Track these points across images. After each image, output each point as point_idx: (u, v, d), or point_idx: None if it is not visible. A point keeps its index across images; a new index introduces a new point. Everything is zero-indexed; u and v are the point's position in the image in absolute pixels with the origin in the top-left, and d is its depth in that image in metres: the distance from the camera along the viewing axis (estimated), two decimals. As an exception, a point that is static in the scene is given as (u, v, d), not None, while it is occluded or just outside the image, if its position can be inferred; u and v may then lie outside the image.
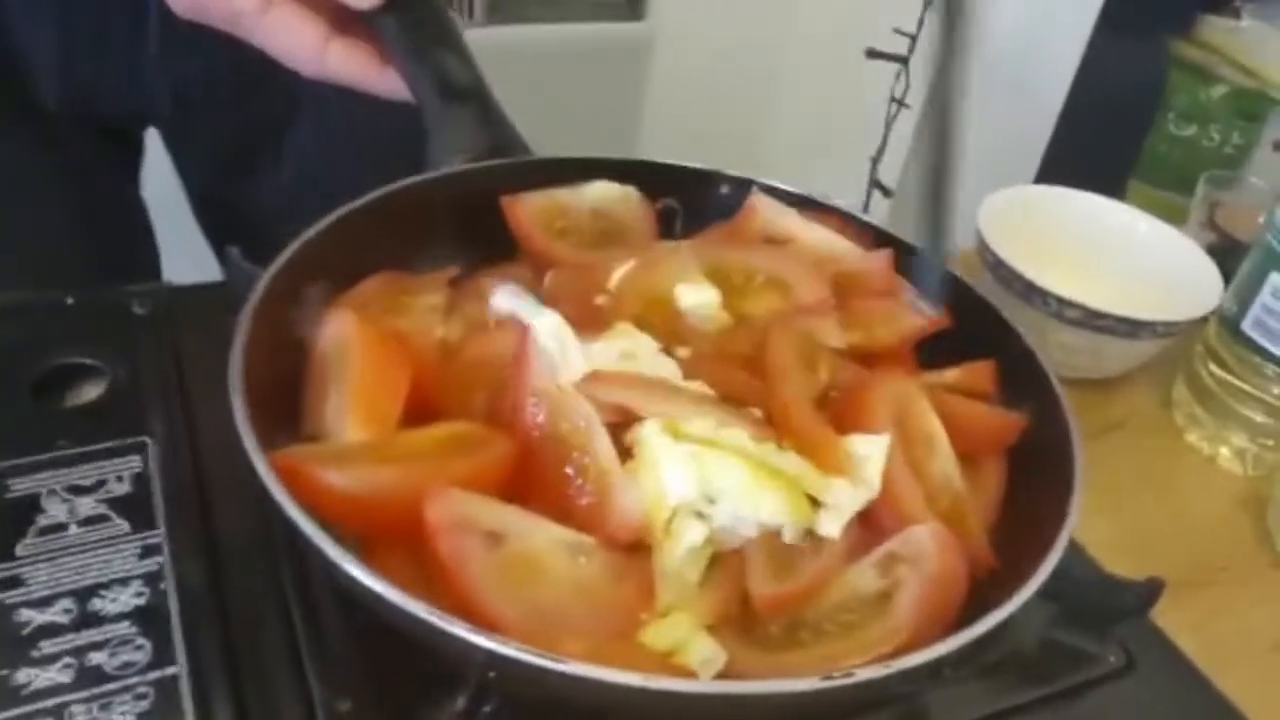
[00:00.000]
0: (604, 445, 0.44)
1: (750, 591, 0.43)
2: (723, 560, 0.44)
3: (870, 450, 0.46)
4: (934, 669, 0.37)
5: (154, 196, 0.94)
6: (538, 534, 0.42)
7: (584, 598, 0.41)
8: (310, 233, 0.52)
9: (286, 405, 0.48)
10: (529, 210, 0.59)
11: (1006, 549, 0.47)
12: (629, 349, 0.50)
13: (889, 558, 0.44)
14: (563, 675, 0.35)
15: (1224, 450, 0.79)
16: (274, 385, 0.47)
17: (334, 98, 0.84)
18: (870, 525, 0.47)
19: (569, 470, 0.44)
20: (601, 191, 0.62)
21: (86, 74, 0.77)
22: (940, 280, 0.56)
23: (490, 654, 0.36)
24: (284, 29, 0.60)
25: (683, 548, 0.43)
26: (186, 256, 0.97)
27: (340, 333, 0.48)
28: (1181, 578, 0.53)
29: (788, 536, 0.44)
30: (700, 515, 0.43)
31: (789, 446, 0.46)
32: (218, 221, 0.97)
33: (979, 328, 0.57)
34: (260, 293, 0.48)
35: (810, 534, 0.45)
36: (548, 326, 0.48)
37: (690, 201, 0.64)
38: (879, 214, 1.60)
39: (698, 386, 0.48)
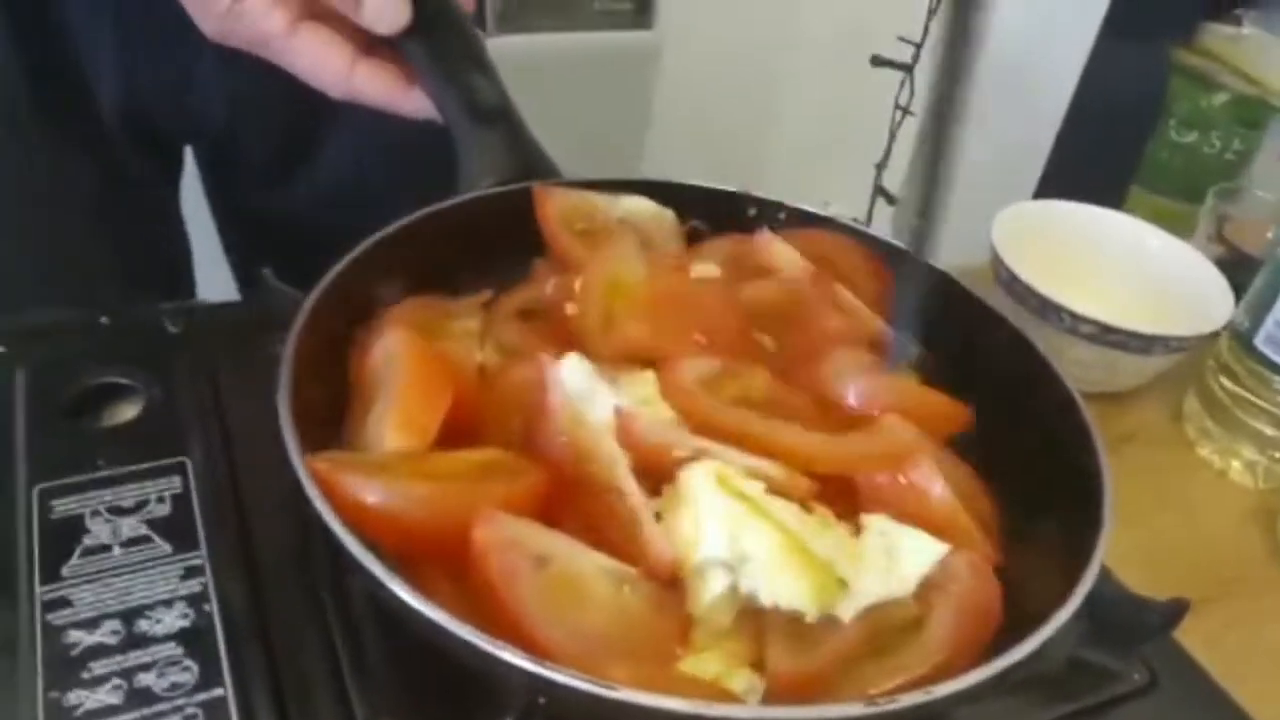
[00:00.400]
0: (631, 486, 0.45)
1: (767, 665, 0.43)
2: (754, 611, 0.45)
3: (924, 556, 0.46)
4: (975, 694, 0.38)
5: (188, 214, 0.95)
6: (583, 560, 0.42)
7: (626, 626, 0.42)
8: (354, 253, 0.53)
9: (324, 432, 0.49)
10: (558, 205, 0.60)
11: (1037, 570, 0.48)
12: (647, 395, 0.51)
13: (924, 584, 0.45)
14: (615, 702, 0.36)
15: (1235, 464, 0.80)
16: (313, 409, 0.48)
17: (367, 111, 0.85)
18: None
19: (600, 508, 0.45)
20: (636, 205, 0.63)
21: (145, 82, 0.78)
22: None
23: (541, 680, 0.37)
24: (311, 51, 0.61)
25: (708, 595, 0.43)
26: (219, 273, 0.98)
27: (391, 346, 0.49)
28: (1194, 591, 0.54)
29: (809, 618, 0.44)
30: (726, 566, 0.44)
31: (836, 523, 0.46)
32: (243, 238, 0.98)
33: (994, 343, 0.58)
34: (305, 314, 0.49)
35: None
36: (574, 366, 0.48)
37: (716, 221, 0.64)
38: (883, 221, 1.61)
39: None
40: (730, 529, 0.43)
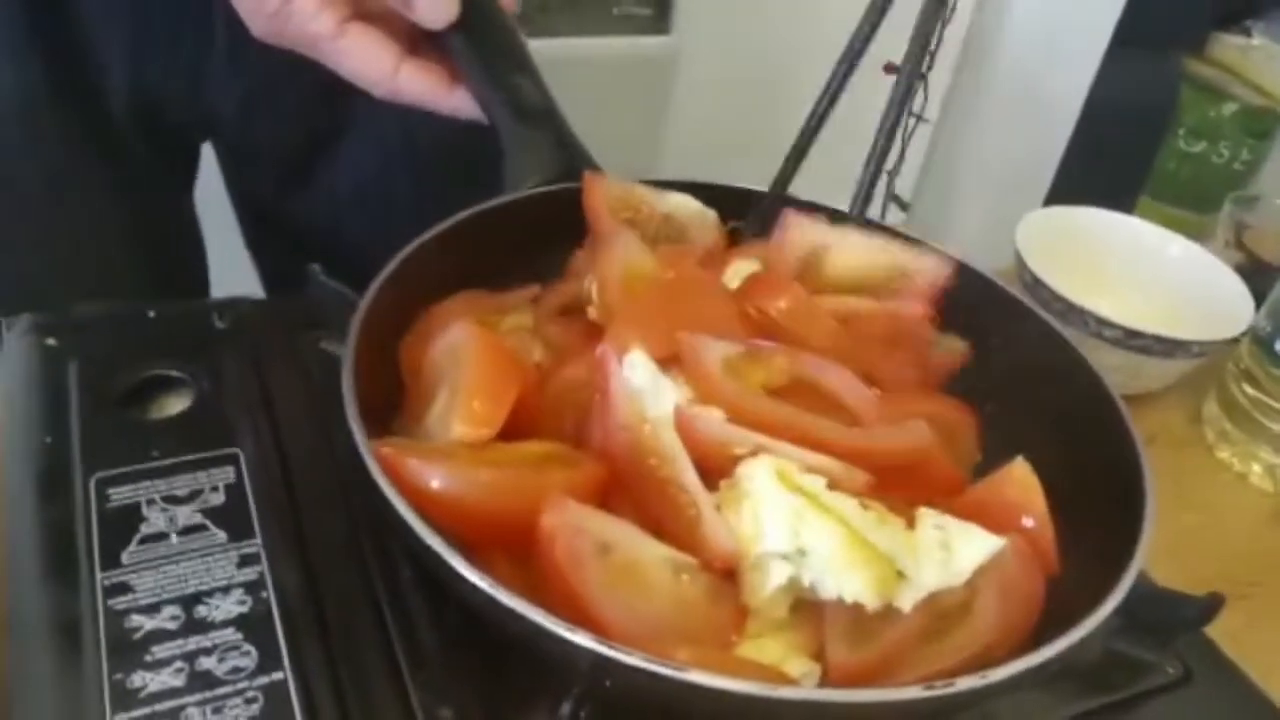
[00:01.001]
0: (693, 480, 0.46)
1: (826, 656, 0.45)
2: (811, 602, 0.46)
3: (980, 549, 0.47)
4: (1028, 678, 0.39)
5: (202, 212, 0.96)
6: (644, 548, 0.43)
7: (684, 613, 0.43)
8: (410, 248, 0.54)
9: (377, 425, 0.50)
10: (605, 194, 0.61)
11: (1081, 560, 0.49)
12: None
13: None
14: (684, 684, 0.37)
15: (1256, 467, 0.81)
16: (367, 402, 0.49)
17: (396, 117, 0.85)
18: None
19: (660, 499, 0.46)
20: (680, 202, 0.64)
21: (155, 76, 0.78)
22: None
23: (612, 662, 0.38)
24: (358, 52, 0.62)
25: (769, 587, 0.44)
26: (233, 272, 0.99)
27: (456, 339, 0.50)
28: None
29: (869, 609, 0.45)
30: (787, 559, 0.44)
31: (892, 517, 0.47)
32: (266, 236, 0.99)
33: (1026, 340, 0.59)
34: (368, 304, 0.50)
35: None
36: (637, 361, 0.49)
37: (760, 224, 0.66)
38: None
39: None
40: (791, 523, 0.44)
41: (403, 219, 0.56)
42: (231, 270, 0.98)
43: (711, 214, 0.64)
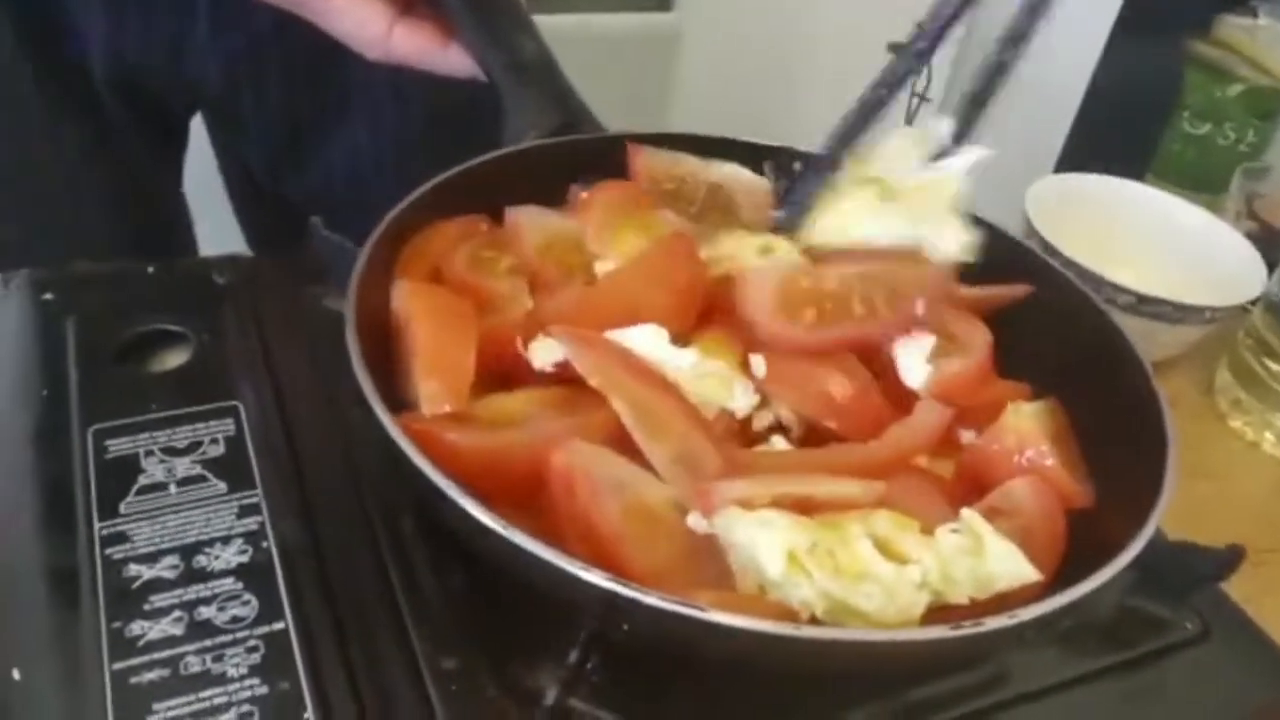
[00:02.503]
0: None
1: None
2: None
3: (1012, 575, 0.44)
4: (1054, 619, 0.38)
5: (191, 190, 0.95)
6: (653, 489, 0.42)
7: (693, 551, 0.42)
8: (411, 197, 0.53)
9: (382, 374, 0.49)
10: (649, 162, 0.61)
11: (1106, 501, 0.48)
12: (708, 370, 0.51)
13: (989, 512, 0.45)
14: (704, 623, 0.36)
15: (1268, 435, 0.80)
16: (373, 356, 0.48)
17: (388, 97, 0.84)
18: (969, 480, 0.48)
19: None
20: (729, 172, 0.63)
21: (134, 43, 0.77)
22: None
23: (634, 604, 0.37)
24: (351, 11, 0.60)
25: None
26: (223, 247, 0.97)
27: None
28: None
29: None
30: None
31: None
32: (257, 211, 0.98)
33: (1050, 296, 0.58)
34: (364, 261, 0.49)
35: None
36: (647, 333, 0.48)
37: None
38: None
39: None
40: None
41: (400, 190, 0.55)
42: (221, 245, 0.97)
43: (763, 183, 0.63)
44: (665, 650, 0.41)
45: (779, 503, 0.42)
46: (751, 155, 0.65)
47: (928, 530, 0.45)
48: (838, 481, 0.45)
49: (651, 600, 0.36)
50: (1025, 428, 0.50)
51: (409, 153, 0.88)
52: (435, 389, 0.46)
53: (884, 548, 0.43)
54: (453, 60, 0.63)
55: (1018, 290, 0.59)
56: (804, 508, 0.43)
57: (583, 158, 0.60)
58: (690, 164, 0.62)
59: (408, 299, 0.50)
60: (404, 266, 0.53)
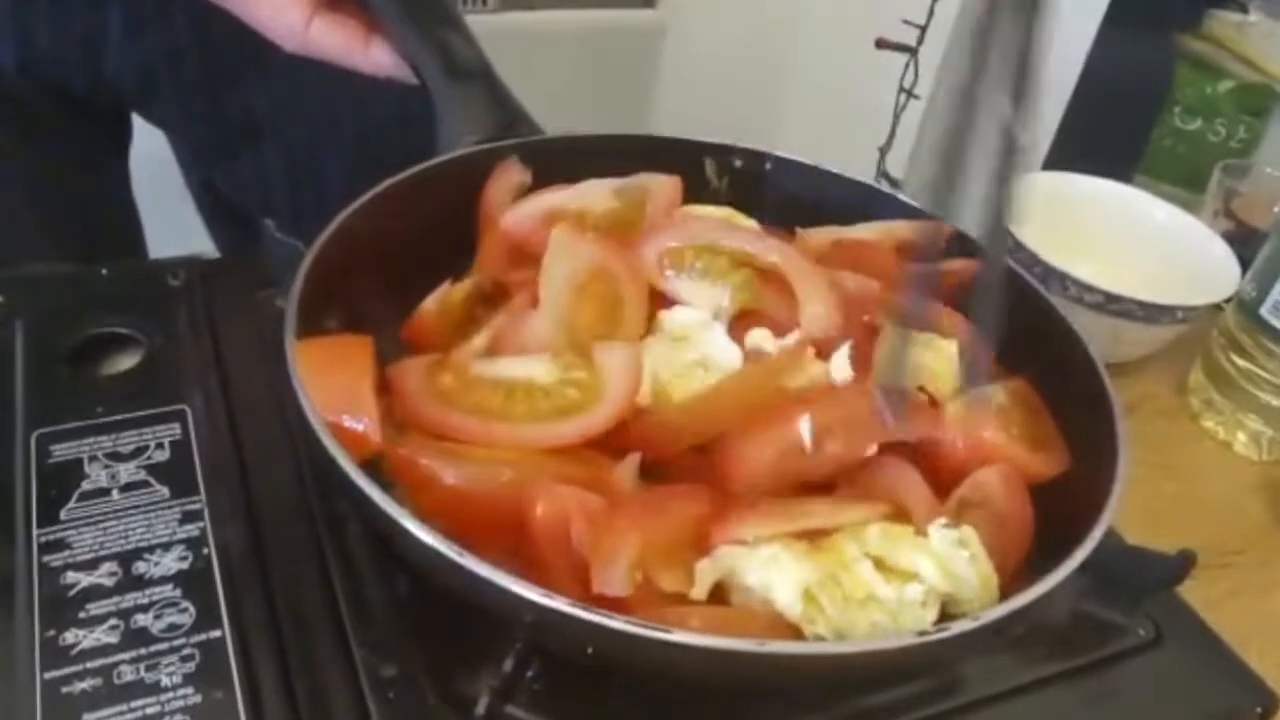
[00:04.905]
0: None
1: None
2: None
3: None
4: (1021, 617, 0.38)
5: (140, 183, 0.94)
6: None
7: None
8: (357, 203, 0.53)
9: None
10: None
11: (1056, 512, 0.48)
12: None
13: (960, 505, 0.46)
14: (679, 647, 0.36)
15: (1240, 435, 0.80)
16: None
17: (316, 95, 0.83)
18: (941, 475, 0.48)
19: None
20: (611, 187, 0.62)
21: (44, 41, 0.76)
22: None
23: (553, 613, 0.36)
24: (267, 1, 0.59)
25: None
26: (175, 245, 0.96)
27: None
28: (1198, 560, 0.54)
29: None
30: None
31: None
32: (220, 218, 0.97)
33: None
34: (304, 274, 0.49)
35: None
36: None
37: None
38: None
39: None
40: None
41: (335, 199, 0.54)
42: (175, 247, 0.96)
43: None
44: (637, 672, 0.41)
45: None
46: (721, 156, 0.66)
47: (921, 530, 0.45)
48: (841, 508, 0.46)
49: (570, 610, 0.35)
50: (965, 417, 0.50)
51: (344, 150, 0.87)
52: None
53: (882, 565, 0.44)
54: (374, 58, 0.61)
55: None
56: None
57: (535, 161, 0.60)
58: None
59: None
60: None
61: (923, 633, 0.37)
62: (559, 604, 0.36)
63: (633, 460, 0.47)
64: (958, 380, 0.53)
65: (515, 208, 0.58)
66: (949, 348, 0.55)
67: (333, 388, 0.44)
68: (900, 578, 0.44)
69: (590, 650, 0.37)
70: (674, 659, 0.36)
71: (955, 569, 0.44)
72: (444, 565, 0.37)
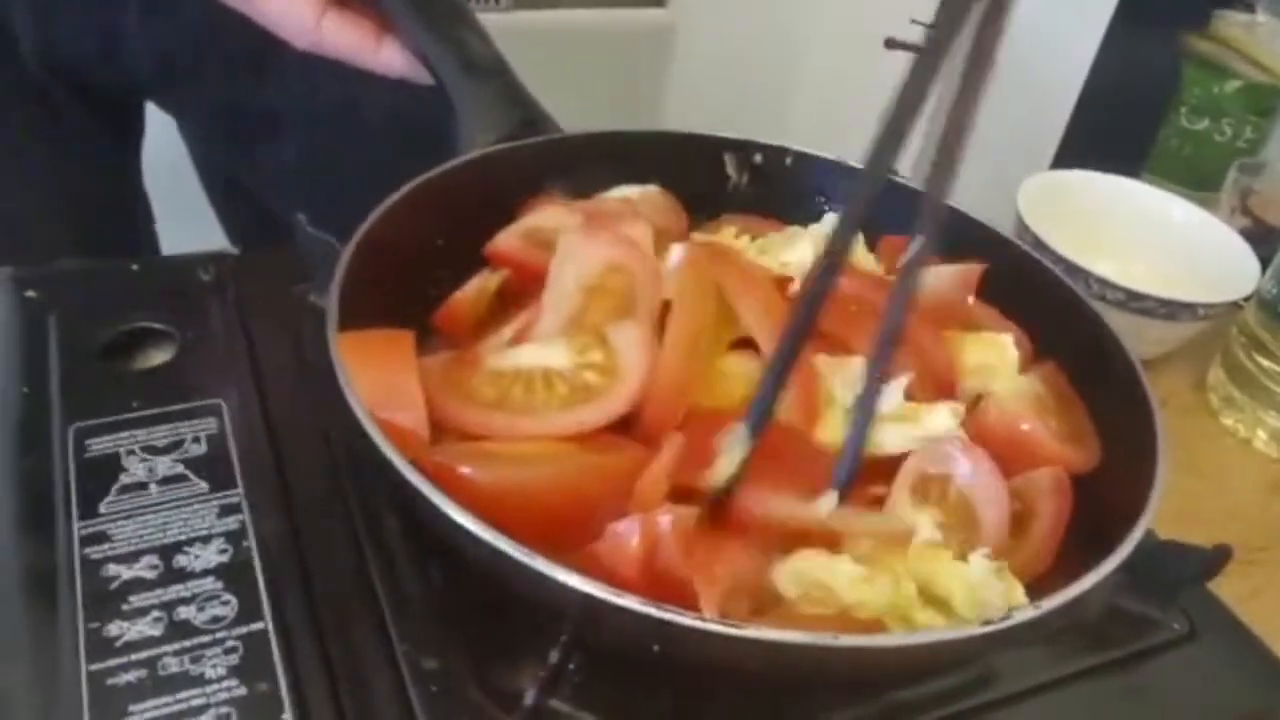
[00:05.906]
0: None
1: None
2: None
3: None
4: (1081, 605, 0.38)
5: (153, 174, 0.94)
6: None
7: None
8: (394, 198, 0.53)
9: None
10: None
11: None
12: None
13: (1023, 495, 0.46)
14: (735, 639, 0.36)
15: (1260, 433, 0.80)
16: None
17: (334, 87, 0.83)
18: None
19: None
20: (624, 195, 0.62)
21: (63, 32, 0.76)
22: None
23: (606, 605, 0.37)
24: None
25: None
26: (187, 236, 0.96)
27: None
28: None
29: None
30: None
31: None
32: (223, 195, 0.97)
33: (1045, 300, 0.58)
34: (344, 267, 0.49)
35: None
36: None
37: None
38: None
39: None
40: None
41: (354, 191, 0.53)
42: (189, 240, 0.96)
43: (652, 189, 0.63)
44: (699, 669, 0.41)
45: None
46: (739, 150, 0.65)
47: (961, 554, 0.46)
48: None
49: (621, 602, 0.36)
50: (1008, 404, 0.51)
51: (362, 142, 0.86)
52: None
53: (924, 589, 0.45)
54: (385, 58, 0.61)
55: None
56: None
57: (559, 160, 0.61)
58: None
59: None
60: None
61: (987, 621, 0.37)
62: (632, 603, 0.36)
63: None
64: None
65: (501, 234, 0.58)
66: (1003, 340, 0.55)
67: (379, 383, 0.44)
68: (934, 604, 0.45)
69: (656, 648, 0.38)
70: (743, 655, 0.37)
71: (985, 597, 0.45)
72: (508, 565, 0.37)
